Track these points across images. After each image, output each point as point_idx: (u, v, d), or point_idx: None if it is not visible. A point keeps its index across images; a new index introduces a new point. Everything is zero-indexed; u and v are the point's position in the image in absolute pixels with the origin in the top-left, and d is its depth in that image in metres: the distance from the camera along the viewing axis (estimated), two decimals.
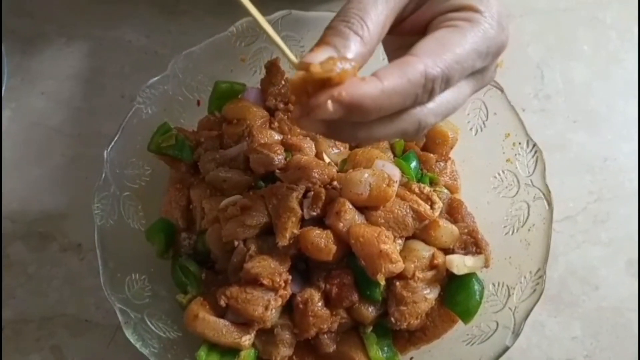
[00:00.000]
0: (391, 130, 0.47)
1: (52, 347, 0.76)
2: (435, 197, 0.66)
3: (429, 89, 0.45)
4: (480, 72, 0.51)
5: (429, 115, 0.48)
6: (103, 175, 0.70)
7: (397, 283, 0.63)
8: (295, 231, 0.63)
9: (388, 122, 0.47)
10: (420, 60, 0.45)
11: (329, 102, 0.42)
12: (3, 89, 0.88)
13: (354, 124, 0.46)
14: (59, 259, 0.81)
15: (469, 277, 0.64)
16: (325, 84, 0.43)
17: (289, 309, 0.65)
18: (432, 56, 0.45)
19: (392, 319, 0.63)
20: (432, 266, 0.64)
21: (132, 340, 0.63)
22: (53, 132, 0.88)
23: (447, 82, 0.46)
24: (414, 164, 0.71)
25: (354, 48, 0.46)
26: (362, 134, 0.47)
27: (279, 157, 0.68)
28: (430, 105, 0.47)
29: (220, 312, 0.64)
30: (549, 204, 0.66)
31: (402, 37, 0.53)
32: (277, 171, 0.68)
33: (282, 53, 0.49)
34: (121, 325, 0.64)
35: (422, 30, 0.51)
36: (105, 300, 0.66)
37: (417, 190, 0.66)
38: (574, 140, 0.85)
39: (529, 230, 0.67)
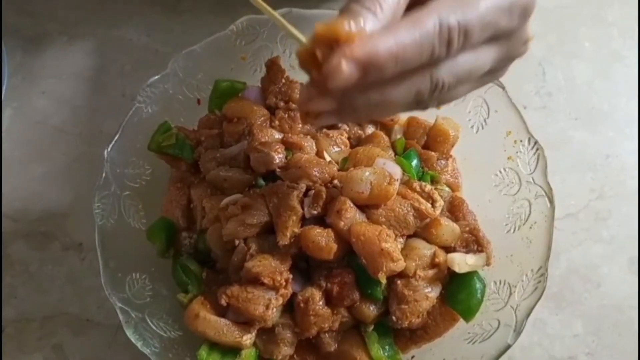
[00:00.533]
0: (405, 91, 0.45)
1: (54, 346, 0.76)
2: (436, 195, 0.66)
3: (445, 39, 0.43)
4: (506, 36, 0.47)
5: (445, 73, 0.45)
6: (103, 175, 0.70)
7: (399, 282, 0.63)
8: (296, 230, 0.63)
9: (402, 81, 0.44)
10: (434, 10, 0.43)
11: (343, 62, 0.40)
12: (4, 88, 0.88)
13: (366, 90, 0.44)
14: (61, 258, 0.81)
15: (470, 275, 0.64)
16: (334, 49, 0.41)
17: (290, 308, 0.65)
18: (447, 7, 0.43)
19: (394, 318, 0.63)
20: (433, 264, 0.64)
21: (133, 339, 0.63)
22: (54, 131, 0.88)
23: (465, 34, 0.44)
24: (415, 162, 0.71)
25: (367, 25, 0.44)
26: (376, 96, 0.45)
27: (279, 156, 0.68)
28: (448, 62, 0.45)
29: (221, 312, 0.64)
30: (551, 201, 0.66)
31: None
32: (278, 170, 0.67)
33: (290, 33, 0.48)
34: (122, 324, 0.64)
35: None
36: (107, 299, 0.66)
37: (418, 188, 0.66)
38: (576, 138, 0.85)
39: (530, 228, 0.67)
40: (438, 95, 0.47)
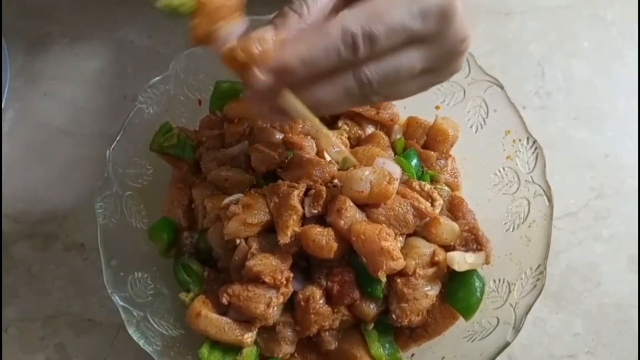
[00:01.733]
0: (333, 89, 0.50)
1: (56, 346, 0.77)
2: (435, 195, 0.67)
3: (349, 45, 0.47)
4: (428, 38, 0.50)
5: (369, 72, 0.49)
6: (105, 175, 0.70)
7: (398, 280, 0.63)
8: (297, 229, 0.63)
9: (326, 82, 0.50)
10: (340, 19, 0.48)
11: (256, 71, 0.47)
12: (6, 89, 0.88)
13: (295, 90, 0.50)
14: (63, 258, 0.81)
15: (469, 273, 0.65)
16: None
17: (291, 306, 0.65)
18: (353, 16, 0.48)
19: (394, 316, 0.64)
20: (433, 263, 0.64)
21: (135, 338, 0.63)
22: (56, 133, 0.89)
23: (370, 40, 0.48)
24: (414, 161, 0.71)
25: (291, 24, 0.50)
26: (306, 96, 0.50)
27: (280, 156, 0.68)
28: (369, 63, 0.49)
29: (223, 310, 0.64)
30: (549, 200, 0.66)
31: None
32: (278, 170, 0.68)
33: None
34: (124, 323, 0.65)
35: None
36: (109, 299, 0.66)
37: (417, 187, 0.67)
38: (575, 137, 0.85)
39: (529, 226, 0.67)
40: (372, 91, 0.51)
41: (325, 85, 0.50)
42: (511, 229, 0.69)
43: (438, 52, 0.51)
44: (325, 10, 0.51)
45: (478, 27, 0.55)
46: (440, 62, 0.53)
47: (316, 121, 0.54)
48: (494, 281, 0.67)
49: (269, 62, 0.47)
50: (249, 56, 0.48)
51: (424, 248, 0.64)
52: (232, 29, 0.51)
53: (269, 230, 0.65)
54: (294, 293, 0.64)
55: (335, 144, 0.64)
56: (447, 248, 0.66)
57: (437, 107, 0.77)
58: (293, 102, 0.50)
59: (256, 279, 0.62)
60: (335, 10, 0.51)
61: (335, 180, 0.66)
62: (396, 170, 0.65)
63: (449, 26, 0.50)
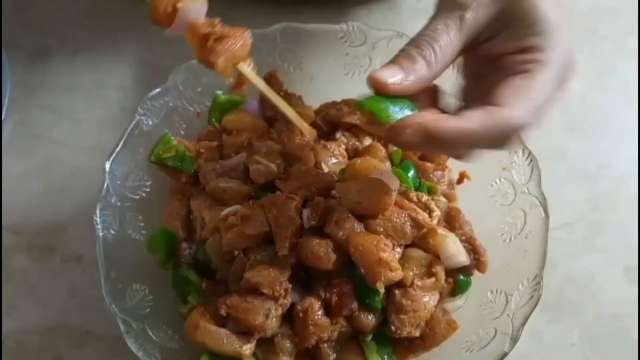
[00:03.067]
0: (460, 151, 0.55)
1: (55, 358, 0.76)
2: (433, 206, 0.67)
3: (509, 137, 0.50)
4: None
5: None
6: (104, 186, 0.70)
7: (397, 291, 0.64)
8: (295, 240, 0.63)
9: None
10: (505, 110, 0.48)
11: (408, 130, 0.47)
12: (5, 101, 0.89)
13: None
14: (61, 270, 0.81)
15: None
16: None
17: (289, 318, 0.65)
18: (517, 107, 0.48)
19: (392, 327, 0.64)
20: (430, 274, 0.64)
21: (134, 349, 0.63)
22: (55, 144, 0.89)
23: (527, 128, 0.50)
24: (411, 173, 0.71)
25: (419, 70, 0.50)
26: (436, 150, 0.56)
27: (278, 167, 0.69)
28: None
29: (221, 322, 0.64)
30: (545, 211, 0.67)
31: (477, 62, 0.55)
32: (277, 181, 0.68)
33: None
34: (123, 335, 0.64)
35: (494, 61, 0.53)
36: (107, 311, 0.66)
37: (415, 198, 0.67)
38: (570, 149, 0.86)
39: (525, 237, 0.68)
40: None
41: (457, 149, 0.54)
42: (508, 240, 0.69)
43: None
44: (451, 56, 0.52)
45: None
46: None
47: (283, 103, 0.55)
48: (491, 292, 0.67)
49: (427, 125, 0.48)
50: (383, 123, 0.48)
51: (422, 259, 0.65)
52: (194, 6, 0.50)
53: (268, 242, 0.65)
54: (293, 304, 0.64)
55: (307, 128, 0.62)
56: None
57: None
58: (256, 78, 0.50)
59: (255, 290, 0.62)
60: (456, 55, 0.53)
61: (334, 192, 0.66)
62: (394, 182, 0.66)
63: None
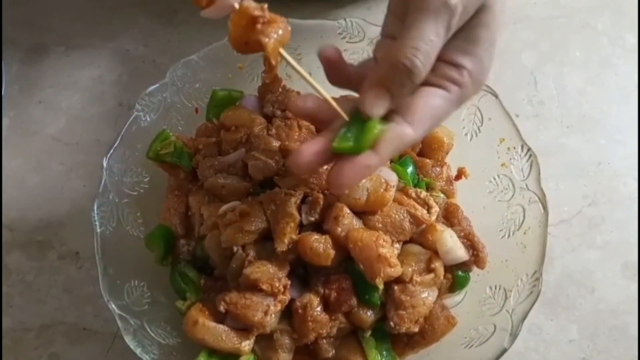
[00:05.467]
0: None
1: (51, 355, 0.76)
2: (432, 202, 0.67)
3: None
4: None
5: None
6: (102, 183, 0.70)
7: (396, 287, 0.63)
8: (294, 236, 0.63)
9: None
10: (412, 132, 0.51)
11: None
12: (1, 98, 0.88)
13: None
14: (57, 267, 0.81)
15: None
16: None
17: (288, 314, 0.65)
18: (419, 126, 0.52)
19: (391, 323, 0.64)
20: (429, 270, 0.64)
21: (132, 346, 0.63)
22: (51, 141, 0.89)
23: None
24: (410, 169, 0.71)
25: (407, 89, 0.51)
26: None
27: (277, 164, 0.68)
28: None
29: (220, 318, 0.64)
30: (544, 207, 0.67)
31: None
32: (275, 177, 0.68)
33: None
34: (120, 332, 0.64)
35: None
36: (103, 308, 0.66)
37: (414, 195, 0.67)
38: (568, 145, 0.86)
39: (524, 233, 0.68)
40: None
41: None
42: (507, 236, 0.69)
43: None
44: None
45: None
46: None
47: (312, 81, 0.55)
48: (491, 288, 0.68)
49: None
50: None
51: (421, 255, 0.65)
52: None
53: (266, 238, 0.65)
54: (292, 300, 0.64)
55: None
56: None
57: None
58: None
59: (253, 287, 0.62)
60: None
61: None
62: (392, 178, 0.66)
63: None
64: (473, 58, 0.52)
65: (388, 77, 0.50)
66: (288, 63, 0.55)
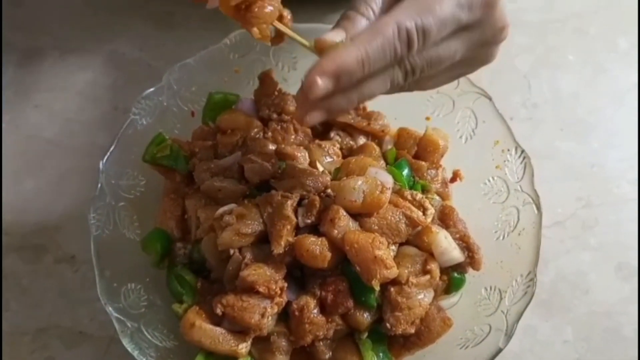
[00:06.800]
0: (380, 83, 0.52)
1: (47, 359, 0.76)
2: (427, 204, 0.68)
3: (405, 41, 0.49)
4: (472, 27, 0.52)
5: (415, 61, 0.52)
6: (99, 186, 0.70)
7: (392, 289, 0.64)
8: (290, 239, 0.63)
9: (376, 76, 0.51)
10: (393, 17, 0.49)
11: (317, 77, 0.48)
12: None
13: (347, 91, 0.51)
14: (53, 271, 0.81)
15: None
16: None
17: (285, 316, 0.65)
18: (405, 12, 0.49)
19: (388, 325, 0.64)
20: (425, 271, 0.65)
21: (129, 349, 0.63)
22: (47, 144, 0.89)
23: (424, 34, 0.49)
24: (406, 171, 0.72)
25: (359, 27, 0.52)
26: (355, 94, 0.52)
27: (273, 166, 0.69)
28: (416, 54, 0.51)
29: (217, 321, 0.64)
30: (538, 208, 0.68)
31: None
32: (272, 180, 0.68)
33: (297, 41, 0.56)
34: (117, 335, 0.64)
35: None
36: (100, 311, 0.66)
37: (409, 197, 0.68)
38: (562, 148, 0.87)
39: (519, 234, 0.68)
40: (413, 80, 0.53)
41: (375, 80, 0.52)
42: (501, 237, 0.70)
43: (480, 39, 0.54)
44: (384, 8, 0.53)
45: None
46: (480, 50, 0.55)
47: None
48: (486, 289, 0.68)
49: (326, 64, 0.48)
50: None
51: (416, 256, 0.65)
52: None
53: (263, 241, 0.65)
54: (288, 303, 0.64)
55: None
56: None
57: (427, 118, 0.78)
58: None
59: (250, 289, 0.62)
60: (390, 7, 0.52)
61: (329, 190, 0.66)
62: (388, 180, 0.66)
63: (492, 14, 0.53)
64: None
65: None
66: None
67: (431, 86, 0.59)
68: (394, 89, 0.54)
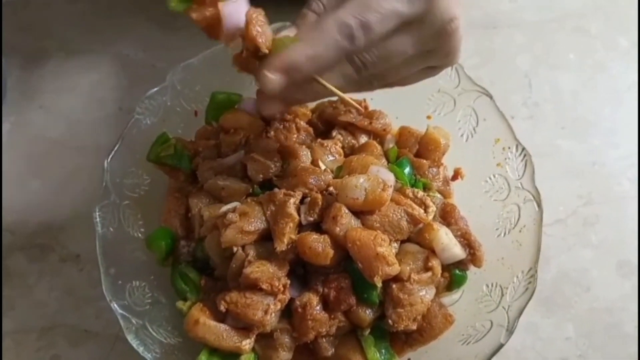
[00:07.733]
0: (333, 78, 0.55)
1: (53, 357, 0.77)
2: (428, 202, 0.68)
3: (346, 35, 0.52)
4: (417, 20, 0.54)
5: (364, 57, 0.54)
6: (104, 185, 0.71)
7: (394, 286, 0.64)
8: (293, 236, 0.64)
9: (328, 71, 0.55)
10: (332, 14, 0.52)
11: (267, 73, 0.52)
12: (3, 102, 0.89)
13: (303, 85, 0.55)
14: (59, 269, 0.81)
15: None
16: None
17: (288, 313, 0.65)
18: (345, 9, 0.52)
19: (390, 322, 0.64)
20: (427, 268, 0.65)
21: (134, 345, 0.63)
22: (52, 145, 0.90)
23: (364, 27, 0.52)
24: (407, 169, 0.72)
25: (309, 22, 0.55)
26: (310, 88, 0.56)
27: (275, 165, 0.69)
28: (364, 49, 0.54)
29: (220, 317, 0.64)
30: (539, 205, 0.68)
31: None
32: (275, 178, 0.69)
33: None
34: (122, 333, 0.65)
35: None
36: (105, 310, 0.66)
37: (411, 195, 0.68)
38: (563, 147, 0.87)
39: (520, 231, 0.69)
40: (370, 75, 0.56)
41: (328, 76, 0.55)
42: (502, 234, 0.70)
43: (427, 32, 0.55)
44: (334, 6, 0.55)
45: (466, 35, 0.58)
46: (432, 43, 0.56)
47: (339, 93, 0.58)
48: (487, 285, 0.68)
49: (276, 61, 0.52)
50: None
51: (418, 253, 0.65)
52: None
53: (266, 238, 0.66)
54: (291, 300, 0.65)
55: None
56: None
57: (428, 117, 0.79)
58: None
59: (253, 286, 0.63)
60: (338, 5, 0.55)
61: (331, 188, 0.67)
62: (390, 178, 0.66)
63: (436, 5, 0.54)
64: None
65: None
66: None
67: (399, 83, 0.61)
68: (352, 84, 0.57)
